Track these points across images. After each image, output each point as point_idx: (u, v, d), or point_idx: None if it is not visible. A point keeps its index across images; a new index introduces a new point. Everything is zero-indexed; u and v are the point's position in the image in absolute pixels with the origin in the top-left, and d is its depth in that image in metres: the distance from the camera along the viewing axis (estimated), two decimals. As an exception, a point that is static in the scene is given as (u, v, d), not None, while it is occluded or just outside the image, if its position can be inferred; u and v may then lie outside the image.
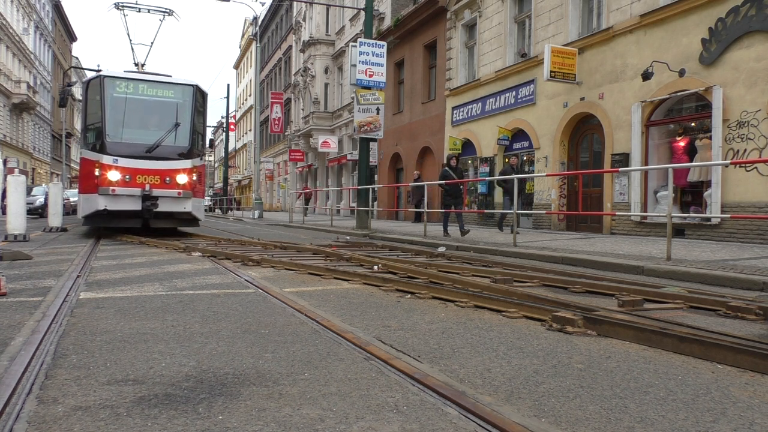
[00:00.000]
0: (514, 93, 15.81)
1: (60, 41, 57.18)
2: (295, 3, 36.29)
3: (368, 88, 14.60)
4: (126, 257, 7.62)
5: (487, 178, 15.51)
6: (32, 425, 1.92)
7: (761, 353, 2.64)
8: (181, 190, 11.01)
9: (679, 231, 10.45)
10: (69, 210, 26.46)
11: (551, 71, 13.00)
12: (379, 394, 2.28)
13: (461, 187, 12.10)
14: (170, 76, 11.95)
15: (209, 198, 41.22)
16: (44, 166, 50.17)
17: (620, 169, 10.51)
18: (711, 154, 10.23)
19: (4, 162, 10.51)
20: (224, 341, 3.12)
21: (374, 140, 16.43)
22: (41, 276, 5.58)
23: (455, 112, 18.84)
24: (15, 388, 2.23)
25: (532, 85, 15.04)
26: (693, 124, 11.18)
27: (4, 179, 9.39)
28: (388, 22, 23.81)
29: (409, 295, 4.68)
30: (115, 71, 11.61)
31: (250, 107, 52.15)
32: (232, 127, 52.51)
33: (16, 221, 9.80)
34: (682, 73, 10.79)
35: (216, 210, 40.05)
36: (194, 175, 11.28)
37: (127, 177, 10.61)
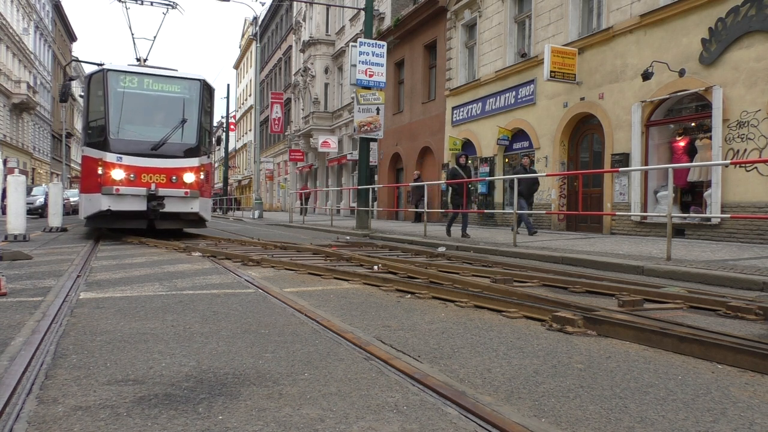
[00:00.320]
0: (514, 93, 15.81)
1: (60, 41, 57.18)
2: (295, 3, 36.29)
3: (368, 88, 14.60)
4: (126, 257, 7.62)
5: (487, 178, 15.51)
6: (32, 425, 1.92)
7: (761, 353, 2.64)
8: (188, 190, 10.58)
9: (679, 231, 10.45)
10: (69, 210, 26.46)
11: (551, 71, 13.00)
12: (379, 394, 2.28)
13: (470, 186, 11.82)
14: (176, 71, 11.52)
15: None
16: (44, 166, 50.18)
17: (620, 169, 10.51)
18: (711, 154, 10.23)
19: (4, 162, 10.52)
20: (224, 341, 3.12)
21: (374, 140, 16.43)
22: (41, 276, 5.58)
23: (455, 112, 18.84)
24: (15, 388, 2.23)
25: (532, 85, 15.04)
26: (693, 124, 11.18)
27: (4, 179, 9.39)
28: (388, 22, 23.81)
29: (409, 295, 4.68)
30: (119, 65, 11.13)
31: (250, 107, 52.15)
32: (232, 127, 52.48)
33: (16, 221, 9.80)
34: (682, 73, 10.79)
35: (216, 210, 40.06)
36: (201, 173, 10.89)
37: (132, 176, 10.19)
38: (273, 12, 46.06)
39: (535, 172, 12.53)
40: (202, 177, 10.87)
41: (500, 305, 4.05)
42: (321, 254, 8.07)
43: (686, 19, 10.75)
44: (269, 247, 9.42)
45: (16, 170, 10.52)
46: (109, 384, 2.36)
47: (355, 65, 14.55)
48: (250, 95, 54.17)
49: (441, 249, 9.02)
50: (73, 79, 10.98)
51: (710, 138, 10.32)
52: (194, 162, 10.79)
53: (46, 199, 19.47)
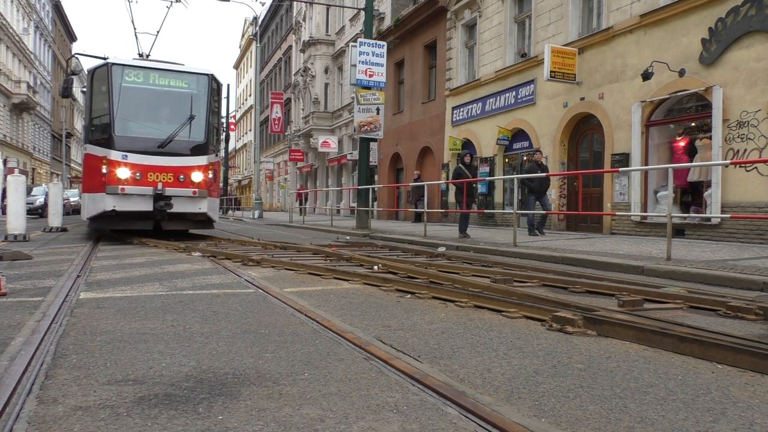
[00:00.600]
0: (514, 93, 15.82)
1: (60, 41, 57.18)
2: (295, 3, 36.29)
3: (368, 88, 14.60)
4: (126, 257, 7.62)
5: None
6: (32, 425, 1.92)
7: (761, 353, 2.64)
8: (196, 189, 10.21)
9: (679, 231, 10.45)
10: (69, 210, 26.47)
11: (551, 71, 13.00)
12: (379, 394, 2.28)
13: (473, 185, 11.61)
14: (182, 65, 11.08)
15: None
16: (44, 166, 50.18)
17: (620, 169, 10.51)
18: (711, 154, 10.23)
19: (4, 162, 10.50)
20: (224, 341, 3.12)
21: (374, 140, 16.43)
22: (41, 276, 5.58)
23: (455, 112, 18.84)
24: (15, 388, 2.23)
25: (532, 85, 15.04)
26: (693, 124, 11.18)
27: (4, 179, 9.38)
28: (388, 22, 23.81)
29: (409, 295, 4.68)
30: (124, 59, 10.64)
31: (250, 107, 52.16)
32: (232, 127, 52.47)
33: (16, 221, 9.80)
34: (682, 73, 10.79)
35: (216, 210, 39.98)
36: (210, 172, 10.52)
37: (138, 174, 9.80)
38: (273, 12, 46.07)
39: (548, 169, 12.13)
40: (210, 176, 10.54)
41: (500, 305, 4.05)
42: (321, 254, 8.07)
43: (686, 19, 10.75)
44: (269, 247, 9.42)
45: (16, 170, 10.51)
46: (109, 384, 2.36)
47: (355, 65, 14.56)
48: (250, 95, 54.17)
49: (441, 249, 9.02)
50: (76, 74, 10.66)
51: (710, 138, 10.32)
52: (202, 160, 10.43)
53: (46, 199, 19.47)
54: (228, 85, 42.50)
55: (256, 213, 25.07)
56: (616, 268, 6.59)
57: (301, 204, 28.00)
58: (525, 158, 15.93)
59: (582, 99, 13.33)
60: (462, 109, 18.43)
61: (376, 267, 6.46)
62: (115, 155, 9.76)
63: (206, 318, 3.73)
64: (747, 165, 9.57)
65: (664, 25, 11.19)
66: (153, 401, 2.16)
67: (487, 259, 7.71)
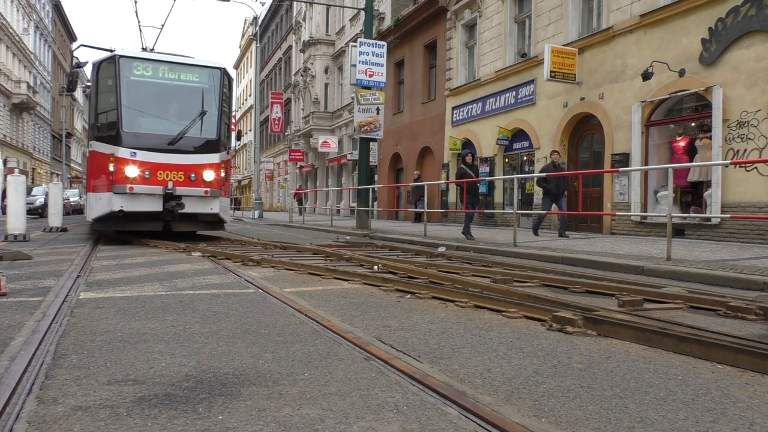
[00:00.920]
0: (514, 93, 15.82)
1: (60, 41, 57.18)
2: (295, 3, 36.29)
3: (368, 88, 14.60)
4: (126, 257, 7.62)
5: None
6: (32, 425, 1.92)
7: (761, 353, 2.64)
8: (208, 189, 9.78)
9: (679, 231, 10.45)
10: (69, 210, 26.48)
11: (551, 71, 13.00)
12: (379, 394, 2.28)
13: (478, 185, 11.41)
14: (192, 58, 10.59)
15: None
16: (44, 166, 50.17)
17: (620, 169, 10.51)
18: (711, 154, 10.23)
19: (4, 162, 10.50)
20: (224, 341, 3.12)
21: (374, 140, 16.44)
22: (41, 276, 5.58)
23: (455, 112, 18.84)
24: (15, 388, 2.23)
25: (532, 85, 15.04)
26: (693, 124, 11.18)
27: (4, 179, 9.37)
28: (388, 22, 23.81)
29: (409, 295, 4.68)
30: (132, 51, 10.19)
31: (250, 107, 52.15)
32: (232, 127, 52.45)
33: (16, 221, 9.80)
34: (682, 73, 10.79)
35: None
36: (222, 171, 10.09)
37: (147, 173, 9.36)
38: (273, 12, 46.06)
39: (565, 169, 11.69)
40: (222, 175, 10.11)
41: (500, 305, 4.05)
42: (321, 254, 8.07)
43: (686, 19, 10.75)
44: (269, 247, 9.41)
45: (16, 170, 10.52)
46: (109, 384, 2.36)
47: (355, 65, 14.55)
48: (250, 95, 54.17)
49: (441, 249, 9.02)
50: (81, 66, 10.32)
51: (710, 138, 10.32)
52: (214, 158, 10.00)
53: (46, 199, 19.47)
54: (228, 85, 42.40)
55: (256, 213, 25.07)
56: (616, 268, 6.59)
57: (299, 204, 27.98)
58: (525, 158, 15.95)
59: (582, 99, 13.33)
60: (462, 109, 18.43)
61: (376, 267, 6.46)
62: (122, 152, 9.34)
63: (206, 318, 3.73)
64: (747, 165, 9.57)
65: (664, 25, 11.19)
66: (153, 401, 2.16)
67: (487, 259, 7.71)
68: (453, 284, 5.04)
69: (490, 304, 4.12)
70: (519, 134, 15.90)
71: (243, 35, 60.15)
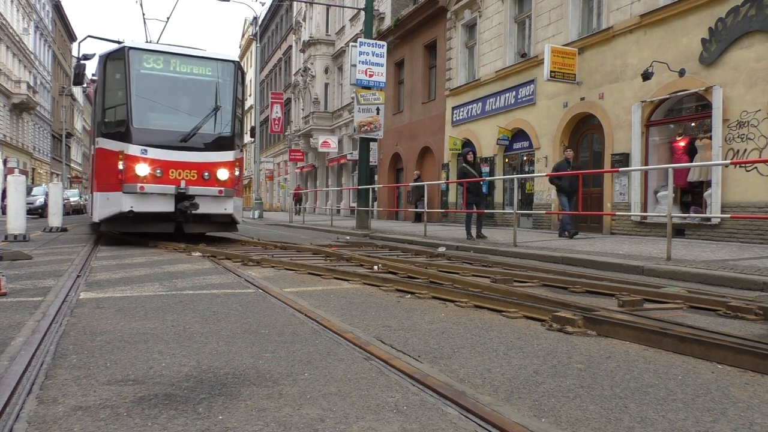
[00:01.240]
0: (514, 93, 15.82)
1: (60, 41, 57.19)
2: (295, 3, 36.29)
3: (368, 88, 14.60)
4: (126, 257, 7.62)
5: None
6: (32, 425, 1.92)
7: (761, 353, 2.64)
8: (222, 188, 9.36)
9: (679, 231, 10.45)
10: (69, 210, 26.48)
11: (551, 71, 13.00)
12: (379, 394, 2.28)
13: (482, 184, 11.13)
14: (204, 50, 10.15)
15: None
16: (44, 166, 50.18)
17: (620, 169, 10.51)
18: (711, 154, 10.23)
19: (4, 162, 10.48)
20: (224, 341, 3.12)
21: (374, 140, 16.44)
22: (41, 276, 5.58)
23: (455, 112, 18.84)
24: (15, 388, 2.23)
25: (532, 85, 15.04)
26: (693, 124, 11.18)
27: (4, 179, 9.36)
28: (388, 22, 23.81)
29: (409, 295, 4.68)
30: (141, 42, 9.74)
31: (250, 107, 52.16)
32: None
33: (16, 221, 9.79)
34: (682, 73, 10.79)
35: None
36: (236, 169, 9.73)
37: (158, 171, 8.94)
38: (273, 12, 46.07)
39: (577, 167, 11.19)
40: (236, 173, 9.74)
41: (500, 305, 4.05)
42: (321, 254, 8.06)
43: (686, 19, 10.75)
44: (269, 247, 9.41)
45: (16, 170, 10.50)
46: (109, 384, 2.36)
47: (355, 65, 14.56)
48: (250, 95, 54.17)
49: (441, 249, 9.02)
50: (88, 58, 9.67)
51: (710, 138, 10.32)
52: (229, 156, 9.59)
53: (46, 199, 19.48)
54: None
55: (256, 213, 25.07)
56: (616, 268, 6.59)
57: (298, 204, 27.94)
58: (525, 158, 15.95)
59: (582, 99, 13.33)
60: (462, 109, 18.43)
61: (376, 267, 6.47)
62: (133, 150, 8.89)
63: (206, 318, 3.73)
64: (747, 165, 9.57)
65: (664, 25, 11.19)
66: (153, 401, 2.16)
67: (487, 259, 7.71)
68: (453, 284, 5.04)
69: (490, 304, 4.12)
70: (519, 134, 15.90)
71: (243, 35, 60.14)
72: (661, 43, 11.25)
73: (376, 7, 23.58)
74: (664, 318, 3.63)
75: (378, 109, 14.62)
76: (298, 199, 29.73)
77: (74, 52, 65.38)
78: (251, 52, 50.92)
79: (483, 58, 17.28)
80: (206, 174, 9.31)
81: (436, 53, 20.62)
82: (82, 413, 2.03)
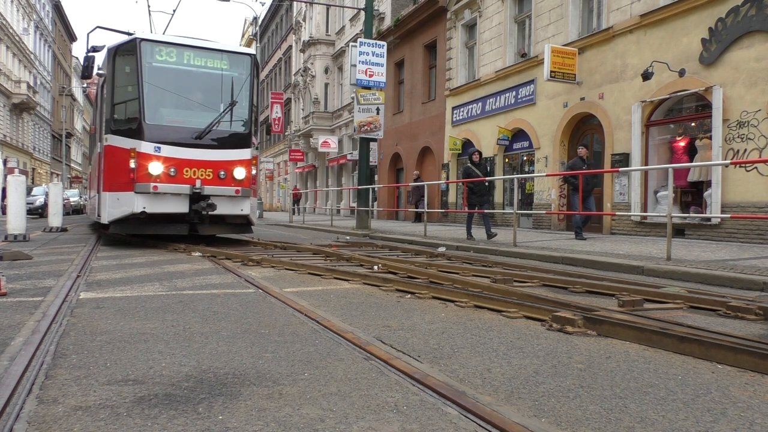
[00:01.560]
0: (514, 93, 15.82)
1: (60, 41, 57.19)
2: (295, 3, 36.29)
3: (368, 88, 14.60)
4: (126, 257, 7.62)
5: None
6: (32, 425, 1.92)
7: (761, 353, 2.64)
8: (239, 188, 8.96)
9: (679, 231, 10.45)
10: (69, 210, 26.48)
11: (551, 71, 13.00)
12: (379, 394, 2.28)
13: (487, 184, 10.83)
14: (217, 43, 9.77)
15: None
16: (44, 166, 50.18)
17: (620, 169, 10.51)
18: (711, 154, 10.23)
19: (4, 162, 10.46)
20: (224, 341, 3.12)
21: (374, 140, 16.44)
22: (41, 276, 5.58)
23: (455, 112, 18.84)
24: (15, 388, 2.23)
25: (532, 85, 15.04)
26: (693, 124, 11.18)
27: (4, 179, 9.35)
28: (388, 22, 23.81)
29: (409, 295, 4.68)
30: (153, 34, 9.29)
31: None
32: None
33: (16, 221, 9.79)
34: (682, 73, 10.78)
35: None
36: (253, 168, 9.36)
37: (172, 170, 8.53)
38: (273, 12, 46.06)
39: (592, 165, 10.68)
40: (253, 172, 9.40)
41: (500, 305, 4.05)
42: (321, 254, 8.06)
43: (686, 19, 10.75)
44: (269, 247, 9.40)
45: (16, 170, 10.48)
46: (109, 384, 2.36)
47: (355, 65, 14.56)
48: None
49: (441, 249, 9.02)
50: (98, 50, 9.21)
51: (710, 138, 10.32)
52: (246, 154, 9.17)
53: (46, 199, 19.47)
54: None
55: (256, 213, 25.04)
56: (616, 268, 6.59)
57: (296, 204, 27.90)
58: (525, 158, 15.94)
59: (582, 99, 13.33)
60: (462, 109, 18.43)
61: (376, 267, 6.46)
62: (145, 147, 8.46)
63: (206, 318, 3.73)
64: (747, 165, 9.57)
65: (664, 25, 11.19)
66: (153, 401, 2.16)
67: (487, 259, 7.71)
68: (453, 284, 5.04)
69: (490, 304, 4.12)
70: (519, 134, 15.89)
71: (243, 35, 60.11)
72: (661, 43, 11.25)
73: (376, 7, 23.59)
74: (664, 318, 3.63)
75: (378, 109, 14.62)
76: (296, 199, 29.73)
77: (80, 47, 65.43)
78: (251, 52, 50.80)
79: (483, 58, 17.28)
80: (222, 173, 8.91)
81: (436, 53, 20.62)
82: (82, 413, 2.03)
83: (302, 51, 34.48)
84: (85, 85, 73.15)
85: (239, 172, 9.06)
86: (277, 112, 36.71)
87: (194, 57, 9.10)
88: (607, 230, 12.48)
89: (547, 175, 12.83)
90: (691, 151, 11.01)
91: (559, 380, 2.50)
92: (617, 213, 11.69)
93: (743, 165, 9.57)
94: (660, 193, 11.56)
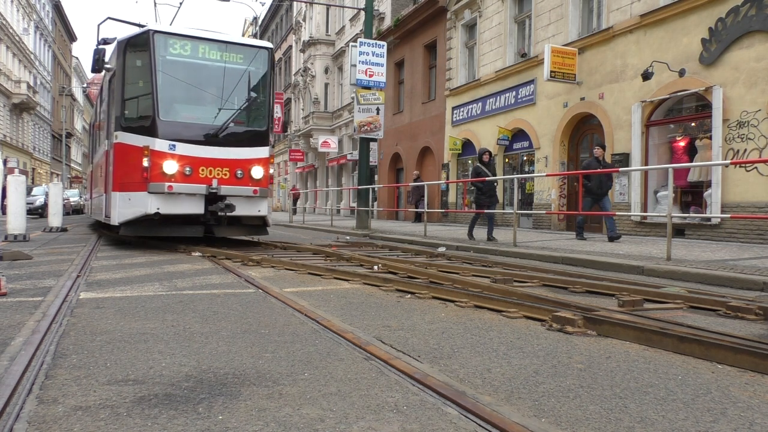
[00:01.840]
0: (514, 93, 15.81)
1: (60, 41, 57.18)
2: (295, 3, 36.29)
3: (368, 88, 14.60)
4: (126, 257, 7.62)
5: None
6: (32, 425, 1.92)
7: (761, 353, 2.64)
8: (257, 188, 8.65)
9: (679, 231, 10.45)
10: (69, 210, 26.48)
11: (551, 71, 13.00)
12: (379, 394, 2.28)
13: (495, 185, 10.66)
14: (233, 36, 9.47)
15: None
16: (44, 166, 50.17)
17: (620, 169, 10.50)
18: (711, 154, 10.23)
19: (4, 162, 10.46)
20: (224, 341, 3.12)
21: (374, 140, 16.43)
22: (41, 276, 5.58)
23: (455, 112, 18.84)
24: (15, 388, 2.23)
25: (532, 85, 15.04)
26: (693, 124, 11.18)
27: (4, 179, 9.34)
28: (388, 22, 23.81)
29: (409, 295, 4.68)
30: (165, 26, 8.91)
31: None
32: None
33: (16, 221, 9.79)
34: (682, 73, 10.79)
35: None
36: (270, 167, 9.11)
37: (188, 169, 8.18)
38: (273, 12, 46.06)
39: (610, 165, 10.36)
40: (271, 171, 9.13)
41: (500, 305, 4.05)
42: (321, 254, 8.06)
43: (686, 19, 10.75)
44: (269, 247, 9.40)
45: (16, 170, 10.48)
46: (109, 384, 2.36)
47: (355, 65, 14.56)
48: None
49: (441, 249, 9.02)
50: (108, 42, 8.92)
51: (710, 138, 10.32)
52: (263, 152, 8.85)
53: (46, 199, 19.48)
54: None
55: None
56: (616, 268, 6.59)
57: (293, 205, 27.85)
58: (525, 158, 15.94)
59: (582, 99, 13.33)
60: (462, 109, 18.43)
61: (376, 267, 6.46)
62: (160, 145, 8.09)
63: (206, 318, 3.73)
64: (747, 165, 9.57)
65: (664, 25, 11.19)
66: (153, 401, 2.16)
67: (487, 259, 7.71)
68: (453, 284, 5.04)
69: (490, 304, 4.12)
70: (519, 134, 15.89)
71: (243, 35, 60.15)
72: (661, 43, 11.25)
73: (376, 7, 23.58)
74: (664, 318, 3.63)
75: (378, 109, 14.61)
76: (295, 198, 29.70)
77: (74, 53, 65.43)
78: (251, 52, 50.79)
79: (483, 58, 17.28)
80: (239, 172, 8.57)
81: (436, 53, 20.62)
82: (82, 413, 2.03)
83: (302, 51, 34.48)
84: (85, 85, 73.14)
85: (257, 171, 8.75)
86: (277, 112, 36.70)
87: (210, 50, 8.73)
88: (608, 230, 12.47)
89: (547, 175, 12.82)
90: (691, 151, 11.02)
91: (559, 380, 2.50)
92: (617, 213, 11.67)
93: (743, 165, 9.57)
94: (660, 193, 11.56)
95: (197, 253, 8.10)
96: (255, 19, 30.36)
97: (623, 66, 12.16)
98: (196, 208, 8.29)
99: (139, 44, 8.48)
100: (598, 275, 5.84)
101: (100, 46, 8.83)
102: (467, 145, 18.17)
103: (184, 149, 8.22)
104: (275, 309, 4.07)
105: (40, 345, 2.91)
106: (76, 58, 66.39)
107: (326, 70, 32.13)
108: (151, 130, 8.19)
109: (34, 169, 45.50)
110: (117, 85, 8.79)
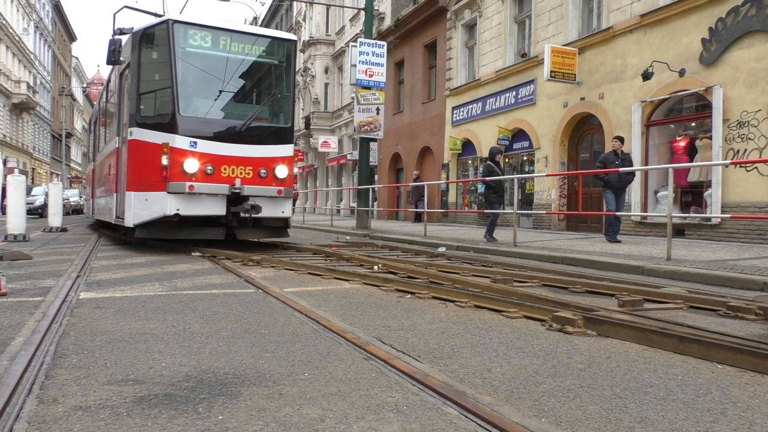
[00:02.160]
0: (514, 93, 15.81)
1: (60, 41, 57.18)
2: (295, 3, 36.29)
3: (368, 88, 14.60)
4: (126, 257, 7.62)
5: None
6: (32, 425, 1.92)
7: (761, 353, 2.64)
8: (281, 188, 8.25)
9: (679, 231, 10.45)
10: (69, 210, 26.49)
11: (551, 71, 12.99)
12: (379, 394, 2.28)
13: (504, 184, 10.34)
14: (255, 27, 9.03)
15: None
16: (44, 166, 50.18)
17: (620, 169, 10.48)
18: (711, 154, 10.23)
19: (4, 162, 10.46)
20: (224, 341, 3.12)
21: (374, 140, 16.42)
22: (41, 276, 5.58)
23: (455, 112, 18.84)
24: (15, 388, 2.23)
25: (532, 85, 15.04)
26: (693, 124, 11.18)
27: (4, 179, 9.34)
28: (388, 22, 23.80)
29: (409, 295, 4.68)
30: (186, 17, 8.38)
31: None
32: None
33: (16, 221, 9.79)
34: (682, 73, 10.79)
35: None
36: (294, 166, 8.66)
37: (209, 168, 7.74)
38: (273, 12, 46.04)
39: (629, 158, 9.80)
40: (294, 170, 8.85)
41: (500, 305, 4.05)
42: (321, 254, 8.06)
43: (686, 19, 10.75)
44: (269, 246, 9.39)
45: (16, 170, 10.48)
46: (109, 384, 2.36)
47: (355, 65, 14.55)
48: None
49: (441, 249, 9.02)
50: (125, 33, 8.35)
51: (710, 138, 10.32)
52: (288, 150, 8.47)
53: (46, 199, 19.47)
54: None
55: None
56: (616, 268, 6.59)
57: (293, 204, 27.84)
58: (525, 158, 15.94)
59: (582, 99, 13.33)
60: (462, 109, 18.43)
61: (376, 267, 6.46)
62: (180, 142, 7.63)
63: (206, 318, 3.73)
64: (747, 165, 9.57)
65: (664, 25, 11.19)
66: (153, 401, 2.16)
67: (487, 259, 7.71)
68: (453, 284, 5.04)
69: (490, 304, 4.12)
70: (519, 134, 15.89)
71: (243, 35, 60.07)
72: (661, 43, 11.25)
73: (376, 7, 23.58)
74: (664, 318, 3.63)
75: (378, 109, 14.61)
76: (294, 199, 29.68)
77: (74, 53, 65.42)
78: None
79: (483, 58, 17.28)
80: (263, 171, 8.13)
81: (436, 53, 20.62)
82: (82, 413, 2.03)
83: (302, 51, 34.46)
84: (85, 85, 73.13)
85: (281, 171, 8.32)
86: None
87: (231, 42, 8.23)
88: (607, 230, 12.47)
89: (547, 175, 12.82)
90: (691, 151, 11.01)
91: (559, 380, 2.50)
92: (617, 213, 11.67)
93: (743, 165, 9.57)
94: (660, 193, 11.56)
95: (197, 253, 8.10)
96: (255, 18, 30.32)
97: (623, 66, 12.16)
98: (218, 209, 7.88)
99: (158, 35, 8.04)
100: (598, 275, 5.84)
101: (116, 37, 8.41)
102: (467, 145, 18.17)
103: (205, 147, 7.78)
104: (275, 309, 4.07)
105: (40, 345, 2.91)
106: (76, 58, 66.40)
107: (326, 70, 32.13)
108: (170, 127, 7.74)
109: (33, 169, 45.50)
110: (132, 78, 8.33)
